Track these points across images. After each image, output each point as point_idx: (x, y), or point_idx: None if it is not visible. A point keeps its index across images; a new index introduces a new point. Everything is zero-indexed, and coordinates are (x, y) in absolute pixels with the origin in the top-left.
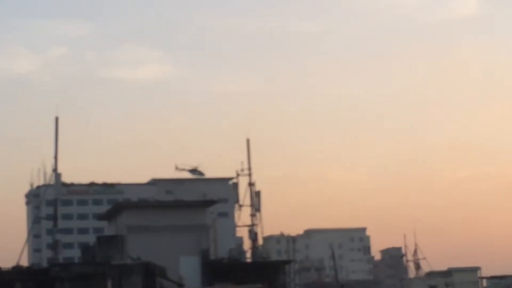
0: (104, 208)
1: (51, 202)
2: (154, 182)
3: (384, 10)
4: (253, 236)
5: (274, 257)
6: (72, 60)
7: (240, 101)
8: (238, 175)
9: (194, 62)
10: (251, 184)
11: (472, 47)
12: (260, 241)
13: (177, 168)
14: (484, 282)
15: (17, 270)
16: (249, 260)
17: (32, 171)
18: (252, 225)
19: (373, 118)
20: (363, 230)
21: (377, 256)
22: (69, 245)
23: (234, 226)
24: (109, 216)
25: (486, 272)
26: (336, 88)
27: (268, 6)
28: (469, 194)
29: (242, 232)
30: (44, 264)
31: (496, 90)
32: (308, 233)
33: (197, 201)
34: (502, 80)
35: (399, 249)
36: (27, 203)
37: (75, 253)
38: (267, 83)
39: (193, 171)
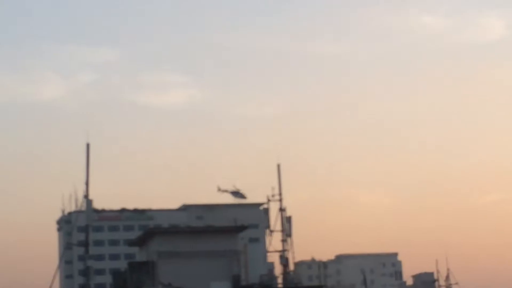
0: (135, 234)
1: (82, 228)
2: (185, 208)
3: (411, 31)
4: (284, 261)
5: (305, 282)
6: (100, 85)
7: (269, 124)
8: (269, 200)
9: (222, 86)
10: (282, 210)
11: (501, 70)
12: (291, 267)
13: (219, 190)
14: None
15: None
16: (280, 286)
17: (64, 197)
18: (283, 250)
19: (403, 141)
20: (395, 255)
21: (409, 281)
22: (100, 271)
23: (265, 251)
24: (140, 242)
25: None
26: (364, 110)
27: (295, 28)
28: (502, 219)
29: (273, 258)
30: None
31: None
32: (340, 258)
33: (228, 227)
34: None
35: (431, 274)
36: (59, 229)
37: (106, 279)
38: (295, 106)
39: (235, 193)
